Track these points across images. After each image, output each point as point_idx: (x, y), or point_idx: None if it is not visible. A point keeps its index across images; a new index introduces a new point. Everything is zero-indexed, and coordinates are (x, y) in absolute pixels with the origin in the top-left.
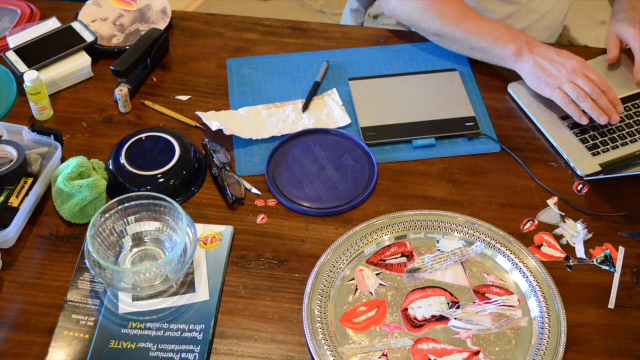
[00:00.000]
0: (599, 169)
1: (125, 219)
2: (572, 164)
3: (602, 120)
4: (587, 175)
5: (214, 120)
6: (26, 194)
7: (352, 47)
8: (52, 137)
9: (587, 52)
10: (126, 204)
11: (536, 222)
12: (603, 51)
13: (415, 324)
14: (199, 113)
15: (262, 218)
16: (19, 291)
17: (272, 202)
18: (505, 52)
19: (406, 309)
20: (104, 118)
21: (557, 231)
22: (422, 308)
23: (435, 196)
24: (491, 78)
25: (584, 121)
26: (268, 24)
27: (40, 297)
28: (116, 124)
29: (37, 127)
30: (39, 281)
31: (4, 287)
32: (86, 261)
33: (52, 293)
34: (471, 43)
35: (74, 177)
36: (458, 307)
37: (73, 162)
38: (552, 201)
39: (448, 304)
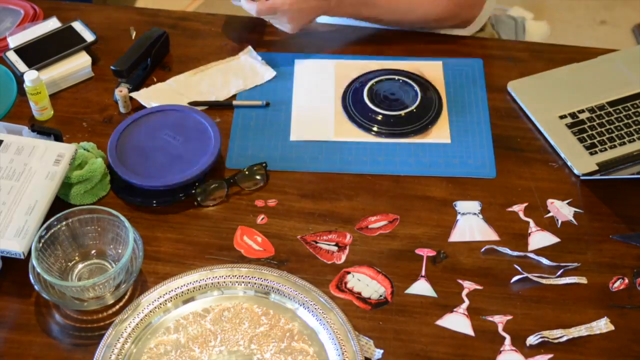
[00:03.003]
0: (596, 168)
1: (71, 234)
2: (569, 163)
3: None
4: (584, 175)
5: (149, 100)
6: None
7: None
8: (52, 137)
9: (587, 52)
10: (70, 220)
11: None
12: (603, 51)
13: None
14: (133, 94)
15: (262, 218)
16: (19, 291)
17: (272, 203)
18: None
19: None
20: (104, 118)
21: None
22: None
23: (435, 196)
24: (491, 78)
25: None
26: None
27: (40, 297)
28: (116, 124)
29: (37, 127)
30: None
31: (4, 287)
32: (30, 276)
33: None
34: None
35: (74, 169)
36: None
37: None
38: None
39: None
